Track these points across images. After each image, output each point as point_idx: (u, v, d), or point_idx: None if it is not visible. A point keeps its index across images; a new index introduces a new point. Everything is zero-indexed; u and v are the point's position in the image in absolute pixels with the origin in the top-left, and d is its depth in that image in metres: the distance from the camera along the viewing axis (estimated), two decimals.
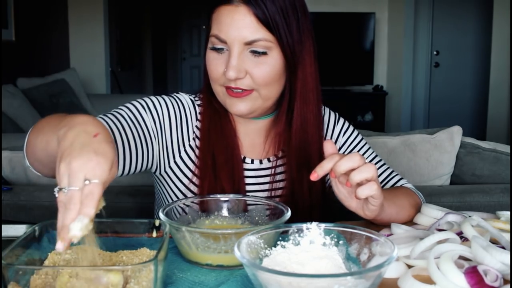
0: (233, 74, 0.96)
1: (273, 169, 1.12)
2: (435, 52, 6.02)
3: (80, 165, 0.61)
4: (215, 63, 1.01)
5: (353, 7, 5.48)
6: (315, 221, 0.76)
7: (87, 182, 0.61)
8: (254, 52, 0.98)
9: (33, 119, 3.47)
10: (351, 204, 0.92)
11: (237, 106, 1.01)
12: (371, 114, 5.40)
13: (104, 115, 1.03)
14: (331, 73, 5.32)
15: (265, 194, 1.11)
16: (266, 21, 0.96)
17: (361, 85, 5.56)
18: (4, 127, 3.06)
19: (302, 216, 1.06)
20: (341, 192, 0.92)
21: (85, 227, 0.60)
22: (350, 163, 0.83)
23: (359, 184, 0.84)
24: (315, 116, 1.08)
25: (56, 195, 0.62)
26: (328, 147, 0.90)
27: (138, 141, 1.02)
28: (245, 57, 0.98)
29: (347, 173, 0.84)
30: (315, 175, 0.85)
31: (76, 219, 0.60)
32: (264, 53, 0.98)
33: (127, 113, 1.04)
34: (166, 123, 1.06)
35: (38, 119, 3.29)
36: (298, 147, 1.08)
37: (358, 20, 5.47)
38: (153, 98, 1.08)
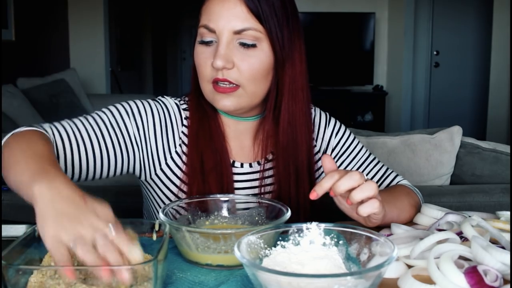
0: (220, 63, 0.96)
1: (262, 173, 1.10)
2: (435, 52, 6.02)
3: (96, 226, 0.65)
4: (203, 57, 1.00)
5: (353, 7, 5.48)
6: (303, 221, 0.76)
7: (110, 225, 0.65)
8: (243, 44, 0.97)
9: (33, 119, 3.47)
10: (353, 215, 0.92)
11: (223, 102, 1.00)
12: (371, 114, 5.40)
13: (84, 116, 1.02)
14: (331, 73, 5.32)
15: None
16: (256, 11, 0.96)
17: (361, 85, 5.55)
18: (4, 127, 3.06)
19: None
20: (343, 205, 0.91)
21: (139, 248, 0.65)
22: (350, 183, 0.82)
23: (361, 201, 0.84)
24: (304, 114, 1.07)
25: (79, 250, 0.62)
26: (327, 162, 0.89)
27: (117, 146, 1.01)
28: (233, 48, 0.97)
29: (348, 190, 0.83)
30: (314, 194, 0.84)
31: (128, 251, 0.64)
32: (253, 46, 0.97)
33: (108, 117, 1.03)
34: (151, 130, 1.05)
35: (38, 119, 3.26)
36: (286, 145, 1.06)
37: (358, 20, 5.47)
38: (138, 102, 1.06)
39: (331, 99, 4.99)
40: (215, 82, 0.99)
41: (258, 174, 1.10)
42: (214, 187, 1.03)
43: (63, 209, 0.66)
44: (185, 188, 1.06)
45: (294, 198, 1.07)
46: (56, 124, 0.99)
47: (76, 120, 1.01)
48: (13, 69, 3.95)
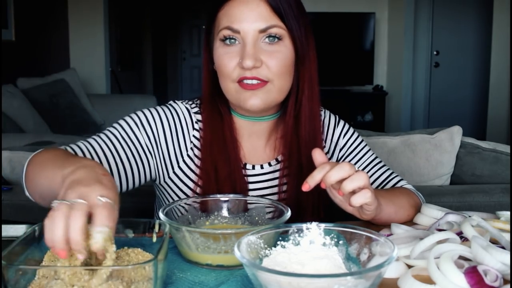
0: (250, 63, 0.96)
1: (279, 172, 1.11)
2: (435, 52, 6.02)
3: (91, 190, 0.63)
4: (227, 57, 1.00)
5: (353, 7, 5.48)
6: (321, 221, 0.76)
7: (102, 198, 0.62)
8: (269, 38, 0.99)
9: (33, 119, 3.47)
10: (347, 207, 0.92)
11: (251, 100, 1.00)
12: (371, 114, 5.40)
13: (97, 135, 1.04)
14: (331, 73, 5.32)
15: (272, 197, 1.10)
16: (278, 10, 0.98)
17: (361, 85, 5.56)
18: (4, 127, 3.06)
19: (308, 216, 1.06)
20: (337, 197, 0.91)
21: (106, 237, 0.60)
22: (340, 173, 0.82)
23: (353, 192, 0.84)
24: (319, 111, 1.11)
25: (54, 205, 0.62)
26: (317, 155, 0.89)
27: (132, 159, 1.03)
28: (260, 47, 0.99)
29: (340, 181, 0.83)
30: (306, 186, 0.84)
31: (96, 230, 0.60)
32: (279, 39, 1.00)
33: (120, 132, 1.04)
34: (161, 136, 1.06)
35: (38, 119, 3.26)
36: (308, 141, 1.07)
37: (358, 20, 5.47)
38: (146, 112, 1.07)
39: (331, 99, 4.98)
40: (241, 80, 0.99)
41: (272, 174, 1.11)
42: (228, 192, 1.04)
43: (79, 179, 0.67)
44: (198, 190, 1.07)
45: (316, 196, 1.07)
46: (71, 145, 1.00)
47: (89, 140, 1.03)
48: (13, 69, 3.95)
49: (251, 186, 1.10)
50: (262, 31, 0.98)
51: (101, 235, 0.60)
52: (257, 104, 1.00)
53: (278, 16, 0.99)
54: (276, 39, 0.99)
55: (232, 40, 1.00)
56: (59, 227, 0.59)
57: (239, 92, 1.01)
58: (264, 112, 1.07)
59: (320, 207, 1.09)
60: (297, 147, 1.08)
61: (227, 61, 1.00)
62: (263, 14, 0.98)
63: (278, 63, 0.99)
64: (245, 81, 0.99)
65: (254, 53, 0.97)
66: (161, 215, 0.82)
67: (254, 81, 0.99)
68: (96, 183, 0.65)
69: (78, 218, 0.60)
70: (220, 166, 1.05)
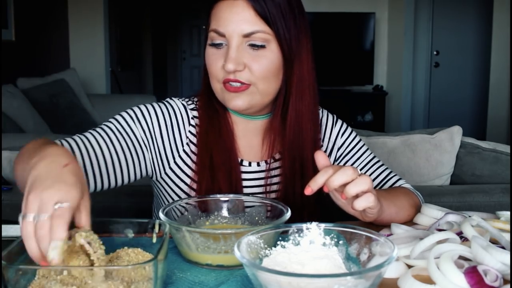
0: (231, 67, 0.97)
1: (268, 172, 1.11)
2: (435, 52, 6.02)
3: (51, 195, 0.63)
4: (214, 58, 1.02)
5: (353, 7, 5.48)
6: (306, 220, 0.76)
7: (57, 206, 0.62)
8: (253, 46, 0.99)
9: (33, 119, 3.47)
10: (350, 210, 0.92)
11: (234, 101, 1.02)
12: (371, 114, 5.40)
13: (93, 129, 1.04)
14: (331, 73, 5.32)
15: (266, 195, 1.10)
16: (264, 14, 0.98)
17: (361, 85, 5.56)
18: (4, 127, 3.06)
19: (293, 215, 1.06)
20: (339, 200, 0.91)
21: (61, 251, 0.61)
22: (343, 178, 0.82)
23: (356, 195, 0.84)
24: (310, 112, 1.09)
25: (20, 222, 0.62)
26: (320, 158, 0.89)
27: (128, 153, 1.03)
28: (243, 50, 0.99)
29: (343, 184, 0.83)
30: (309, 190, 0.84)
31: (50, 246, 0.60)
32: (263, 47, 0.99)
33: (116, 126, 1.04)
34: (157, 131, 1.07)
35: (38, 119, 3.26)
36: (292, 142, 1.08)
37: (358, 20, 5.47)
38: (142, 107, 1.08)
39: (331, 99, 4.98)
40: (226, 82, 1.01)
41: (268, 172, 1.12)
42: (223, 185, 1.05)
43: (40, 175, 0.66)
44: (194, 186, 1.08)
45: (299, 195, 1.07)
46: (67, 138, 1.01)
47: (85, 133, 1.03)
48: (13, 69, 3.95)
49: (247, 183, 1.11)
50: (246, 35, 0.98)
51: (55, 251, 0.60)
52: (240, 105, 1.02)
53: (264, 21, 0.98)
54: (260, 47, 0.99)
55: (219, 43, 1.01)
56: (33, 247, 0.62)
57: (224, 92, 1.03)
58: (257, 112, 1.08)
59: (308, 205, 1.08)
60: (283, 148, 1.09)
61: (214, 62, 1.02)
62: (248, 18, 0.98)
63: (261, 67, 1.00)
64: (229, 83, 1.00)
65: (236, 57, 0.98)
66: (161, 215, 0.82)
67: (237, 84, 1.00)
68: (54, 183, 0.64)
69: (45, 239, 0.61)
70: (215, 154, 1.06)
